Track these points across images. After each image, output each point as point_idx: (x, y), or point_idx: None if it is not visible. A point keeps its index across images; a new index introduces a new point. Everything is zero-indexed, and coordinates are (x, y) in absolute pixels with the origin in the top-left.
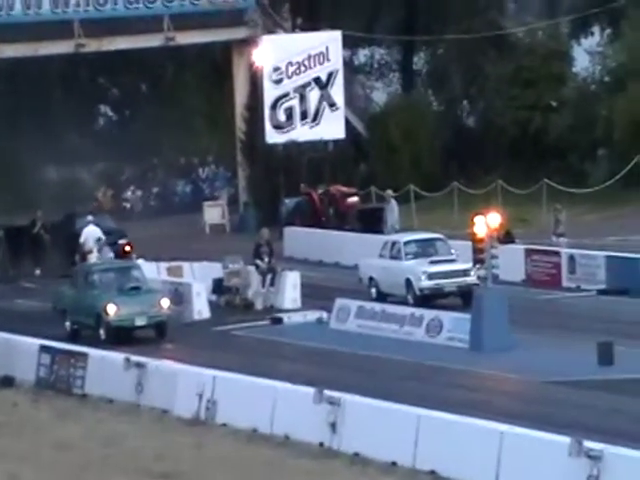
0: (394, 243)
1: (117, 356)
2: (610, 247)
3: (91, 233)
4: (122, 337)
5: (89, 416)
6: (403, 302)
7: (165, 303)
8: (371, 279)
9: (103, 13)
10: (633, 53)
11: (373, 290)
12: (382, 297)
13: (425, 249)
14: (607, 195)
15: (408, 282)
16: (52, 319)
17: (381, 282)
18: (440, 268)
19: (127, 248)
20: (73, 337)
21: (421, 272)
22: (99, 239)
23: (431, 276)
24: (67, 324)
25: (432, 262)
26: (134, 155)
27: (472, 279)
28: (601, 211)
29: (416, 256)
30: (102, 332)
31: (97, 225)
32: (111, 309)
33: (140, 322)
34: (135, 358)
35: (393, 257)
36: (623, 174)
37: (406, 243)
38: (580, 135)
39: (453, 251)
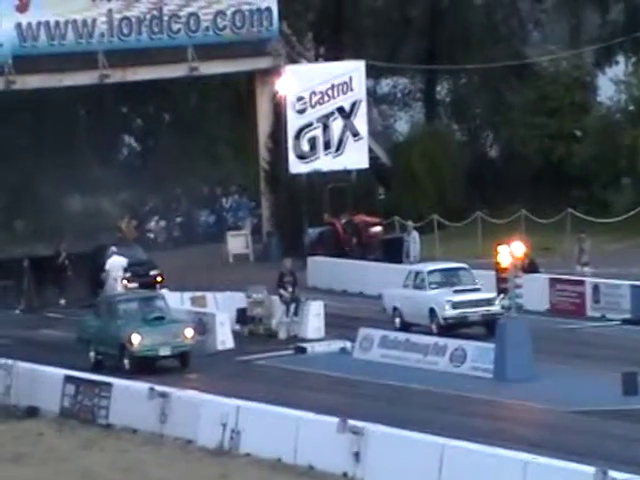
0: (418, 273)
1: (141, 386)
2: (635, 276)
3: (115, 263)
4: (146, 367)
5: (113, 446)
6: (427, 331)
7: (189, 333)
8: (395, 309)
9: (127, 44)
10: None
11: (397, 320)
12: (406, 326)
13: (449, 278)
14: (631, 224)
15: (432, 311)
16: (76, 349)
17: (405, 312)
18: (464, 297)
19: (159, 279)
20: (97, 367)
21: (445, 301)
22: (104, 271)
23: (455, 305)
24: (91, 354)
25: (456, 291)
26: (158, 185)
27: (496, 308)
28: (625, 240)
29: (440, 285)
30: (126, 362)
31: (122, 255)
32: (135, 339)
33: (164, 352)
34: (159, 388)
35: (417, 287)
36: None
37: (430, 272)
38: (604, 164)
39: (477, 280)
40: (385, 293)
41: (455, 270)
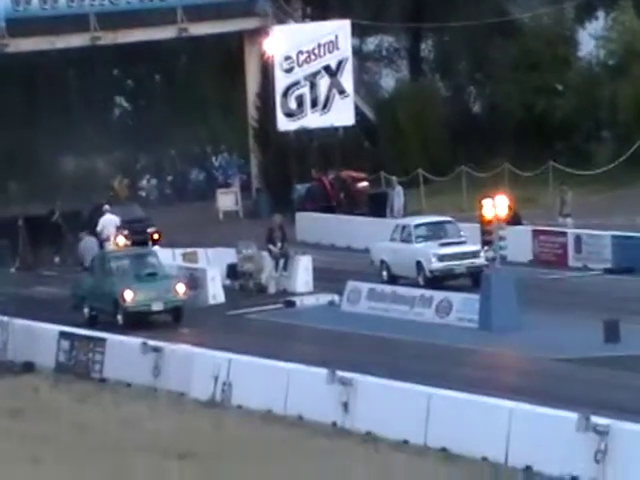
0: (405, 226)
1: (134, 341)
2: (615, 227)
3: (108, 221)
4: (139, 322)
5: (108, 400)
6: (414, 284)
7: (181, 288)
8: (382, 262)
9: (118, 6)
10: (635, 36)
11: (384, 273)
12: (393, 279)
13: (435, 232)
14: (612, 176)
15: (419, 264)
16: (71, 305)
17: (392, 265)
18: (450, 250)
19: (155, 236)
20: (91, 323)
21: (431, 254)
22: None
23: (441, 258)
24: (85, 310)
25: (442, 244)
26: (149, 144)
27: (481, 260)
28: (606, 192)
29: (426, 239)
30: (119, 317)
31: (116, 213)
32: (128, 295)
33: (157, 307)
34: (152, 342)
35: (404, 240)
36: (627, 155)
37: (416, 226)
38: (585, 117)
39: (462, 233)
40: (372, 247)
41: (441, 223)
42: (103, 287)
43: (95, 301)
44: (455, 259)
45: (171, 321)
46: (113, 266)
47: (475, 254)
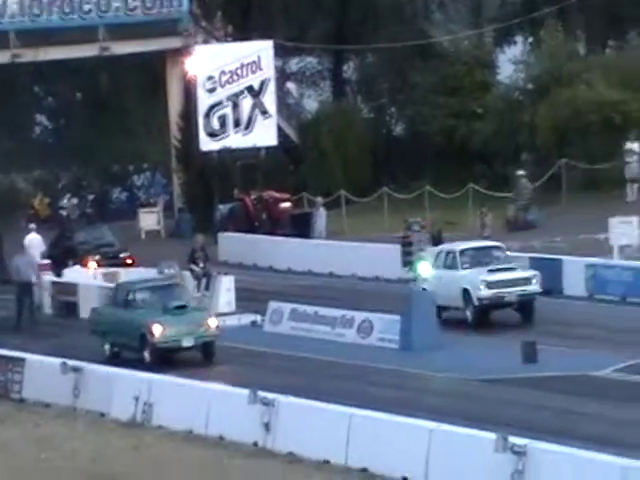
0: (449, 252)
1: (54, 361)
2: (533, 249)
3: (32, 241)
4: (167, 359)
5: (26, 420)
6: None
7: (213, 322)
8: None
9: (38, 24)
10: (552, 61)
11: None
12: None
13: (482, 258)
14: (530, 198)
15: (466, 292)
16: None
17: (436, 294)
18: (500, 277)
19: (129, 261)
20: (114, 359)
21: (479, 281)
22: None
23: (490, 285)
24: (106, 347)
25: (490, 271)
26: (70, 163)
27: (535, 288)
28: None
29: (473, 265)
30: (146, 354)
31: (84, 236)
32: (157, 329)
33: (187, 343)
34: (71, 362)
35: (448, 267)
36: (546, 178)
37: (462, 252)
38: (504, 141)
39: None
40: None
41: (488, 249)
42: (127, 321)
43: (118, 336)
44: (505, 286)
45: (202, 358)
46: (138, 298)
47: (527, 281)
